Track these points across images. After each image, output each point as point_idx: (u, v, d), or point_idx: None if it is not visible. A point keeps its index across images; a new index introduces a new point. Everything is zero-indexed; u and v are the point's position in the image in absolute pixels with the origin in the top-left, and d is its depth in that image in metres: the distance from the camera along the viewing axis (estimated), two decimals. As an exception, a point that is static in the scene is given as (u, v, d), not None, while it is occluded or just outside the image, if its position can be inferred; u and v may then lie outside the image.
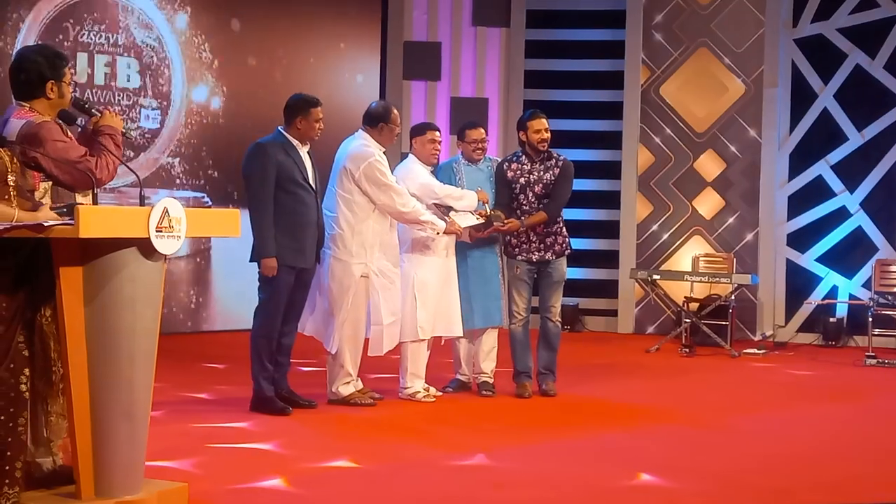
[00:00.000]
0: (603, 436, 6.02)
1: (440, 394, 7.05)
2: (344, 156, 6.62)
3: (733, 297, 10.30)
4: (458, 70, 12.01)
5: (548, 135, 7.13)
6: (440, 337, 7.06)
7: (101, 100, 9.65)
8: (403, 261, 6.81)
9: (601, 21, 11.90)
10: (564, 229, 7.24)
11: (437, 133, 7.01)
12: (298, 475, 4.89)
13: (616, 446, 5.75)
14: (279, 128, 6.41)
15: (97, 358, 3.96)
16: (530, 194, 7.13)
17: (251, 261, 6.36)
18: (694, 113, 11.58)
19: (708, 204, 11.54)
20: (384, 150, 6.69)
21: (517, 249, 7.18)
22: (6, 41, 9.11)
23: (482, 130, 7.25)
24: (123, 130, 4.36)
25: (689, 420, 6.57)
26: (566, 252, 7.21)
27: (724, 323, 10.19)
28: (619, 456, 5.47)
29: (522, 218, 7.11)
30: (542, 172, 7.15)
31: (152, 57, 10.12)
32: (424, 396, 6.85)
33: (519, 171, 7.17)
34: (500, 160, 7.33)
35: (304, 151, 6.38)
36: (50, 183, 4.20)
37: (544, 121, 7.15)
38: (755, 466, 5.30)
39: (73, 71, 4.53)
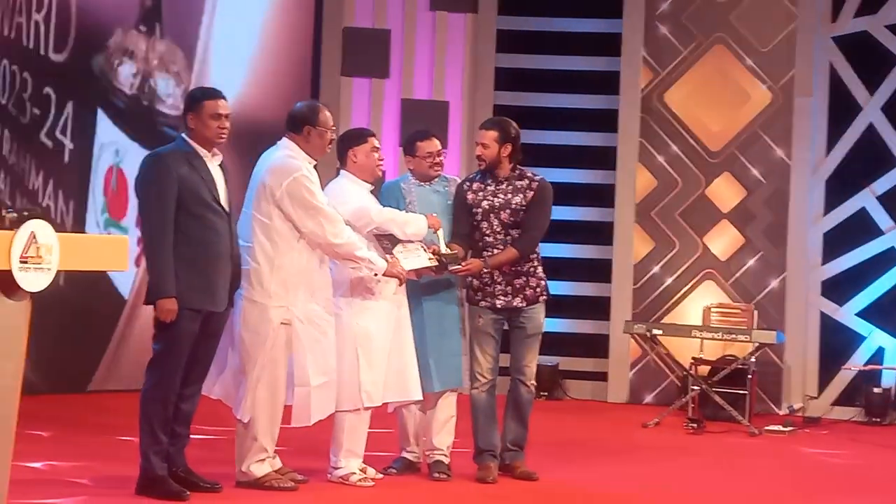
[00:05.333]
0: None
1: (381, 476, 7.03)
2: (263, 170, 6.62)
3: (753, 360, 10.34)
4: (411, 65, 12.05)
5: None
6: (386, 403, 7.05)
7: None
8: (341, 307, 6.81)
9: (592, 8, 11.99)
10: (540, 269, 7.26)
11: (377, 140, 7.08)
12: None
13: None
14: (182, 134, 6.41)
15: (-61, 424, 3.92)
16: (495, 223, 7.16)
17: (146, 303, 6.32)
18: (707, 126, 11.67)
19: (723, 241, 11.61)
20: (314, 163, 6.70)
21: (479, 294, 7.20)
22: None
23: (436, 141, 7.30)
24: None
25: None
26: (541, 298, 7.23)
27: (741, 392, 10.23)
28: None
29: (486, 255, 7.13)
30: (510, 195, 7.18)
31: None
32: (361, 479, 6.83)
33: (481, 193, 7.20)
34: (460, 180, 7.38)
35: (213, 164, 6.37)
36: None
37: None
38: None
39: None
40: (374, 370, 6.84)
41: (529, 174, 7.27)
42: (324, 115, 6.70)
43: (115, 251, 4.40)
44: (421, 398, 7.07)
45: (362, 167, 6.99)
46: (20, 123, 9.86)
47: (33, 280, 4.01)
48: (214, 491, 6.42)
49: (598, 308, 11.76)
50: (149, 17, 10.80)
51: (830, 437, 9.99)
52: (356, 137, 7.08)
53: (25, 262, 3.98)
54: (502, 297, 7.17)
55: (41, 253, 4.02)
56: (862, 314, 11.16)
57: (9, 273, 3.95)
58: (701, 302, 11.38)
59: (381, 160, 7.06)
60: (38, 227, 4.02)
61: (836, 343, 11.16)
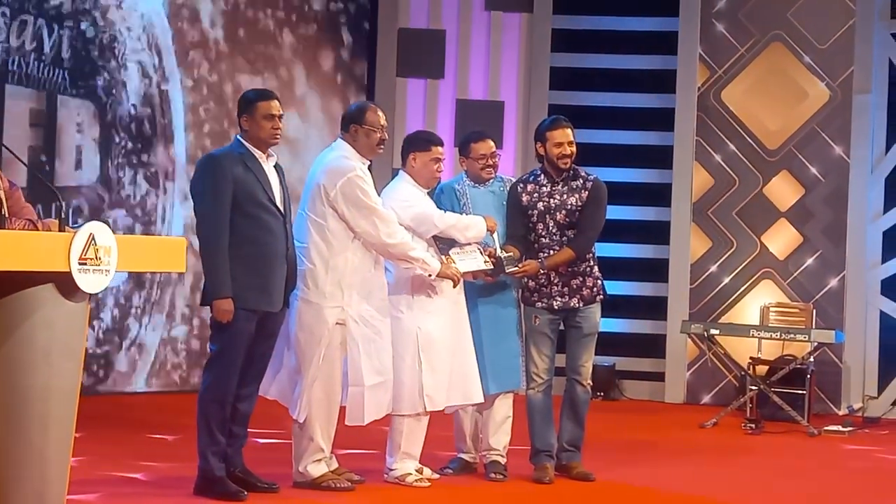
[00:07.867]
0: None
1: (437, 476, 7.04)
2: (318, 171, 6.66)
3: (812, 360, 10.28)
4: (466, 66, 12.06)
5: (572, 149, 7.17)
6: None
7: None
8: (402, 309, 6.82)
9: (648, 7, 11.96)
10: (596, 269, 7.25)
11: (443, 150, 7.06)
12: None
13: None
14: (237, 135, 6.46)
15: (0, 425, 3.96)
16: (551, 224, 7.15)
17: (202, 303, 6.36)
18: (765, 124, 11.61)
19: (781, 240, 11.55)
20: (368, 163, 6.73)
21: (535, 295, 7.20)
22: None
23: (491, 143, 7.29)
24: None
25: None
26: (598, 298, 7.23)
27: (800, 392, 10.16)
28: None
29: (542, 256, 7.13)
30: (565, 196, 7.18)
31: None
32: (417, 480, 6.84)
33: (536, 195, 7.20)
34: (514, 180, 7.38)
35: (268, 165, 6.41)
36: None
37: (568, 131, 7.19)
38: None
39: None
40: (437, 374, 6.83)
41: (583, 174, 7.26)
42: (371, 115, 6.70)
43: (172, 252, 4.43)
44: (482, 401, 7.07)
45: (419, 173, 6.99)
46: None
47: (92, 281, 4.05)
48: (272, 491, 6.45)
49: (655, 308, 11.73)
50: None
51: (891, 436, 9.91)
52: (421, 142, 7.06)
53: (84, 264, 4.01)
54: (559, 298, 7.16)
55: (100, 255, 4.05)
56: (923, 313, 11.09)
57: (68, 275, 3.99)
58: (759, 301, 11.32)
59: (440, 172, 7.06)
60: (97, 228, 4.06)
61: (897, 342, 11.10)
